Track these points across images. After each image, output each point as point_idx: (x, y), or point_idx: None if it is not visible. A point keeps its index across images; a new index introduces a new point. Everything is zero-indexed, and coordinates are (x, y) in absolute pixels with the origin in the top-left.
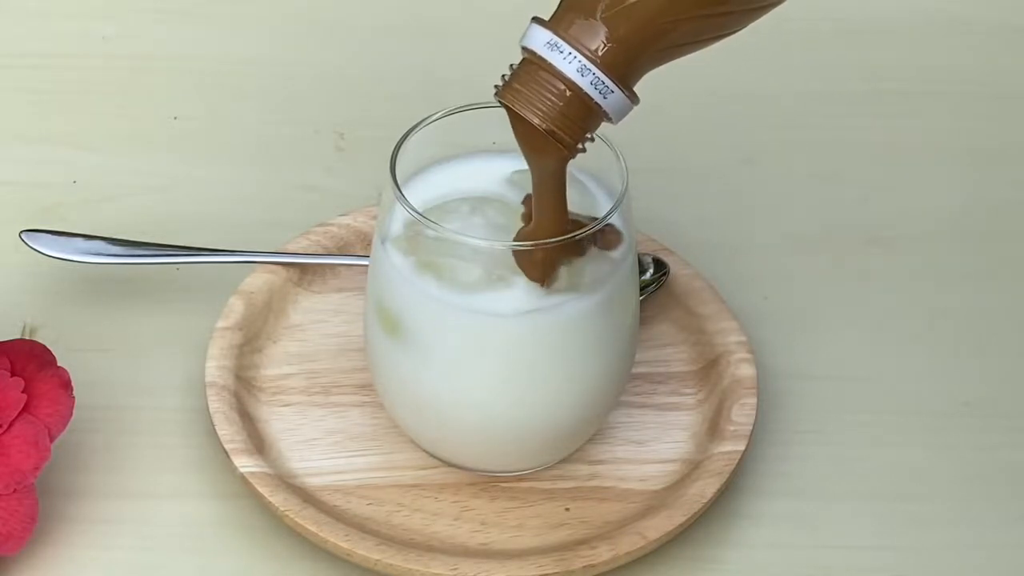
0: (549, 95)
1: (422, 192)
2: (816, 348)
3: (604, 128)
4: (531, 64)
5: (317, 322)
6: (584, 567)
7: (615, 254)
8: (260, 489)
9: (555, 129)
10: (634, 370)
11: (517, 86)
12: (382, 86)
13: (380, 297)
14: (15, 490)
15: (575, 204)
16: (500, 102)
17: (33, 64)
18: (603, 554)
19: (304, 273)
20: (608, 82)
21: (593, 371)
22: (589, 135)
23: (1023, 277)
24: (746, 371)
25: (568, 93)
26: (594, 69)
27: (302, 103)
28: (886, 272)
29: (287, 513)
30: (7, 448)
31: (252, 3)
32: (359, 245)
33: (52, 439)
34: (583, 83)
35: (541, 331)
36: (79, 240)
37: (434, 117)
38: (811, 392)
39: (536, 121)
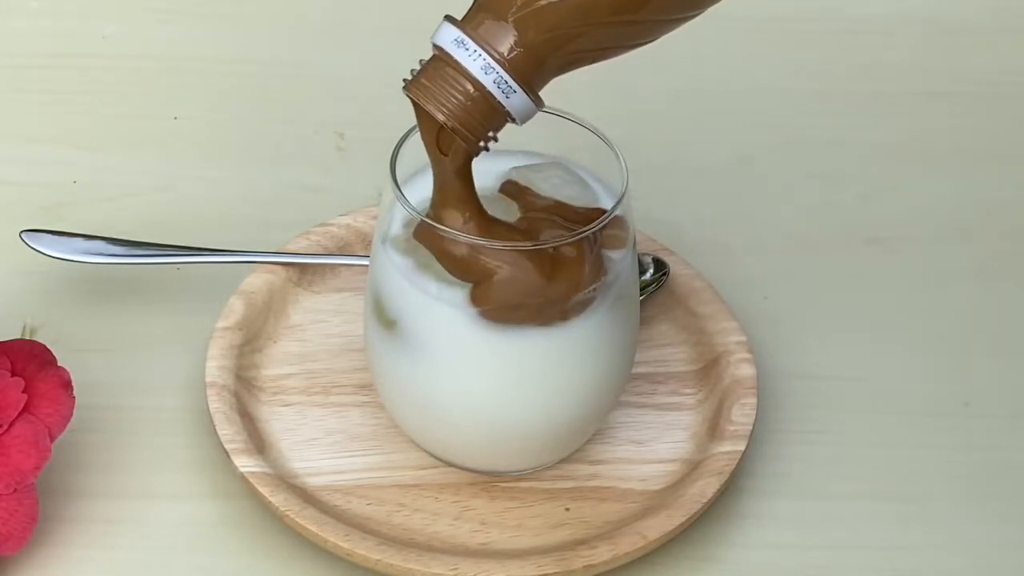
0: (455, 92)
1: (422, 192)
2: (816, 348)
3: (604, 128)
4: (439, 60)
5: (317, 322)
6: (584, 567)
7: (616, 254)
8: (260, 489)
9: (458, 126)
10: (634, 370)
11: (424, 81)
12: (382, 86)
13: (380, 297)
14: (15, 490)
15: (577, 202)
16: (407, 95)
17: (33, 64)
18: (603, 554)
19: (304, 273)
20: (512, 83)
21: (593, 371)
22: (492, 134)
23: (1022, 277)
24: (746, 371)
25: (472, 91)
26: (498, 69)
27: (302, 103)
28: (886, 272)
29: (287, 513)
30: (7, 448)
31: (252, 3)
32: (359, 245)
33: (52, 439)
34: (486, 81)
35: (541, 331)
36: (79, 240)
37: None
38: (811, 392)
39: (440, 117)
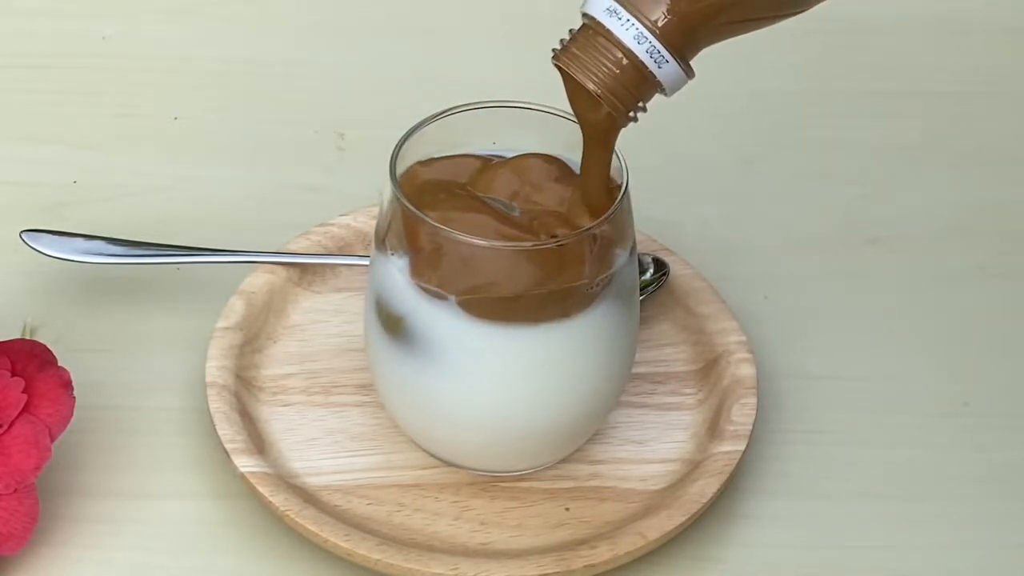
0: (605, 61)
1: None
2: (816, 348)
3: None
4: (589, 29)
5: (317, 322)
6: (584, 567)
7: (616, 254)
8: (260, 489)
9: (609, 95)
10: (634, 370)
11: (575, 50)
12: (382, 86)
13: (380, 297)
14: (16, 490)
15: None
16: (556, 65)
17: (33, 64)
18: (603, 554)
19: (304, 273)
20: (664, 52)
21: (593, 371)
22: (642, 104)
23: (1022, 277)
24: (746, 371)
25: (624, 60)
26: (651, 38)
27: (302, 103)
28: (886, 272)
29: (287, 513)
30: (8, 448)
31: (252, 3)
32: (359, 245)
33: (52, 439)
34: (639, 51)
35: (541, 331)
36: (79, 240)
37: (434, 117)
38: (811, 392)
39: (591, 87)
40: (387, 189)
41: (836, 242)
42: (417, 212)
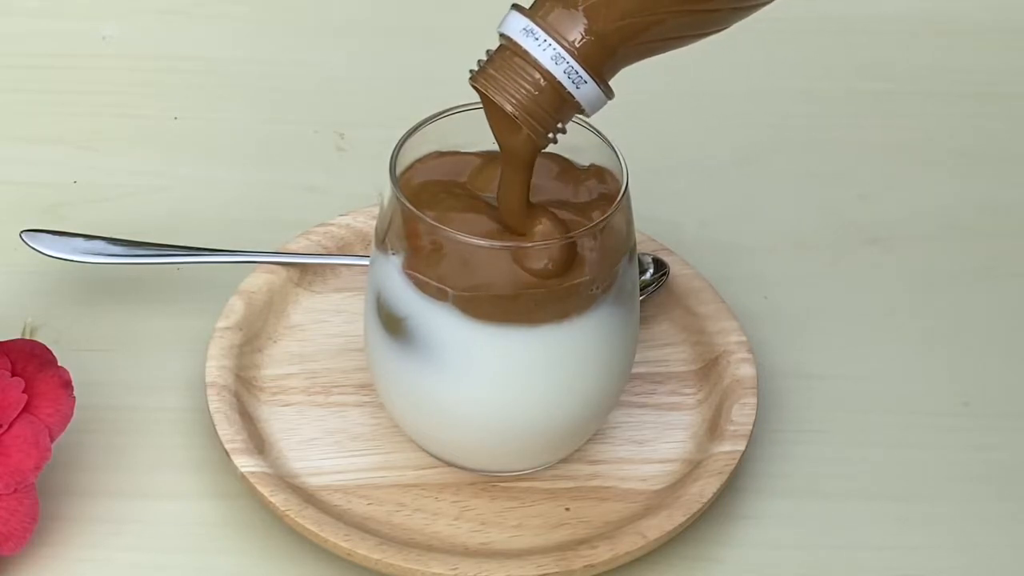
0: (523, 82)
1: None
2: (816, 348)
3: (604, 128)
4: (506, 50)
5: (317, 322)
6: (584, 567)
7: (616, 251)
8: (260, 489)
9: (527, 117)
10: (634, 370)
11: (491, 71)
12: (382, 86)
13: (380, 297)
14: (15, 490)
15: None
16: (473, 86)
17: (33, 64)
18: (603, 554)
19: (304, 273)
20: (582, 72)
21: (593, 371)
22: (561, 125)
23: (1022, 277)
24: (746, 371)
25: (542, 81)
26: (568, 58)
27: (302, 103)
28: (886, 272)
29: (287, 513)
30: (8, 448)
31: (252, 3)
32: (359, 245)
33: (52, 439)
34: (556, 72)
35: (541, 331)
36: (79, 240)
37: (434, 117)
38: (811, 392)
39: (508, 108)
40: (387, 189)
41: (836, 242)
42: (417, 212)
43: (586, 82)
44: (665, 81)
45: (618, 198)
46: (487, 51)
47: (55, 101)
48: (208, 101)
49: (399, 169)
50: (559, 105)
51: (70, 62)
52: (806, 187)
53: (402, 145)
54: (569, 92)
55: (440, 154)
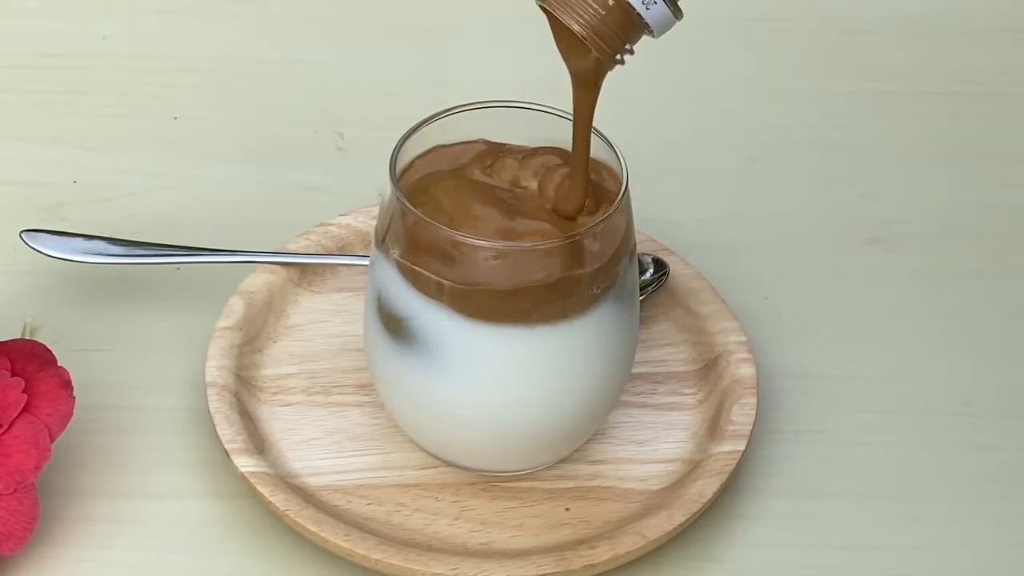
0: (591, 2)
1: None
2: (816, 348)
3: (604, 128)
4: None
5: (317, 322)
6: (584, 567)
7: (616, 251)
8: (260, 489)
9: (594, 37)
10: (634, 370)
11: None
12: (382, 86)
13: (380, 298)
14: (15, 490)
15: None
16: (541, 6)
17: (33, 64)
18: (603, 554)
19: (304, 273)
20: None
21: (593, 371)
22: (629, 46)
23: (1022, 277)
24: (746, 371)
25: (610, 1)
26: None
27: (302, 103)
28: (886, 272)
29: (287, 513)
30: (7, 448)
31: (252, 3)
32: (359, 245)
33: (52, 439)
34: None
35: (541, 331)
36: (79, 240)
37: (434, 117)
38: (811, 392)
39: (576, 28)
40: (387, 189)
41: (836, 242)
42: (417, 213)
43: (656, 2)
44: (665, 81)
45: (618, 198)
46: None
47: (55, 101)
48: (208, 101)
49: (399, 169)
50: (627, 25)
51: (70, 62)
52: (806, 187)
53: (402, 145)
54: (638, 12)
55: (442, 147)
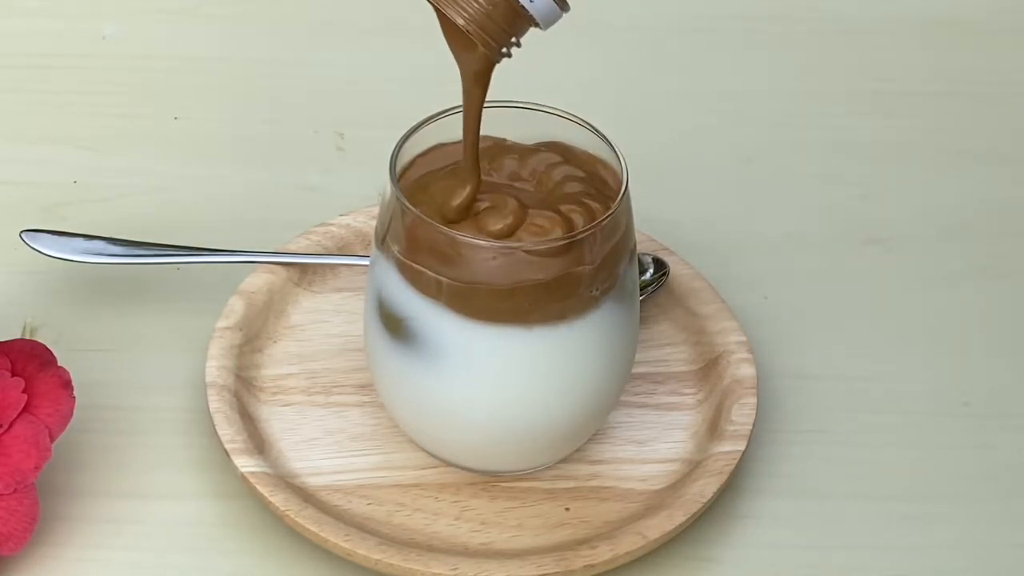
0: None
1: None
2: (816, 348)
3: (604, 128)
4: None
5: (317, 322)
6: (584, 567)
7: (616, 251)
8: (260, 489)
9: (479, 31)
10: (634, 370)
11: None
12: (382, 86)
13: (380, 298)
14: (15, 490)
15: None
16: (428, 1)
17: (33, 64)
18: (603, 554)
19: (304, 273)
20: None
21: (593, 371)
22: (514, 40)
23: (1023, 277)
24: (746, 371)
25: None
26: None
27: (302, 103)
28: (886, 272)
29: (287, 513)
30: (8, 448)
31: (252, 3)
32: (359, 245)
33: (52, 439)
34: None
35: (541, 331)
36: (79, 240)
37: (434, 117)
38: (811, 392)
39: (460, 22)
40: (387, 189)
41: (836, 242)
42: (417, 213)
43: None
44: (665, 81)
45: (618, 198)
46: None
47: (55, 101)
48: (208, 101)
49: (399, 168)
50: (512, 19)
51: (70, 62)
52: (806, 187)
53: (402, 145)
54: (523, 5)
55: (442, 146)
